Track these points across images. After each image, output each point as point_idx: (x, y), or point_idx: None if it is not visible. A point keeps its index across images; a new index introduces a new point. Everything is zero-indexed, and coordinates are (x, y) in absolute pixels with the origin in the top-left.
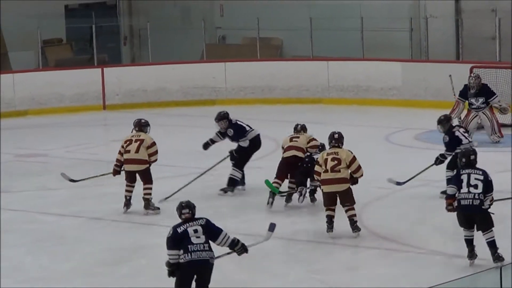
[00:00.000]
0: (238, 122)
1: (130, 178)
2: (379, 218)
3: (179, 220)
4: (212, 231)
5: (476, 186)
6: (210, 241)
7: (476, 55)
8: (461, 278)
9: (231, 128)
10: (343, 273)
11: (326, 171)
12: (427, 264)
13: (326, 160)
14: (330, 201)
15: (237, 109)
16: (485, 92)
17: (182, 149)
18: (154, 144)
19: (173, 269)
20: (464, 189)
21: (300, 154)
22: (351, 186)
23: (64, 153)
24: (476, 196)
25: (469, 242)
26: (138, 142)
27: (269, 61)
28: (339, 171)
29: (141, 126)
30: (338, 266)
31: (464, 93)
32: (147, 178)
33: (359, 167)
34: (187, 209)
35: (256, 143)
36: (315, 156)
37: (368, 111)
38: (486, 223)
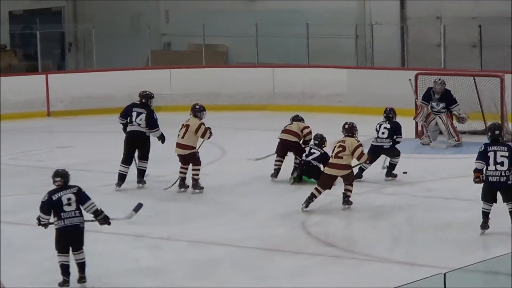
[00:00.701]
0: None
1: (181, 160)
2: (324, 225)
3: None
4: (81, 198)
5: (502, 164)
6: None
7: (421, 62)
8: (406, 285)
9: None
10: (289, 280)
11: (331, 157)
12: (372, 271)
13: (334, 147)
14: (325, 183)
15: (182, 116)
16: (448, 98)
17: None
18: (200, 125)
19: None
20: (492, 167)
21: (291, 138)
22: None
23: (8, 160)
24: (503, 174)
25: (486, 215)
26: (185, 128)
27: (215, 68)
28: (342, 157)
29: (195, 111)
30: (283, 273)
31: (428, 97)
32: (194, 161)
33: (361, 154)
34: (59, 177)
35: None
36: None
37: (313, 118)
38: (510, 196)
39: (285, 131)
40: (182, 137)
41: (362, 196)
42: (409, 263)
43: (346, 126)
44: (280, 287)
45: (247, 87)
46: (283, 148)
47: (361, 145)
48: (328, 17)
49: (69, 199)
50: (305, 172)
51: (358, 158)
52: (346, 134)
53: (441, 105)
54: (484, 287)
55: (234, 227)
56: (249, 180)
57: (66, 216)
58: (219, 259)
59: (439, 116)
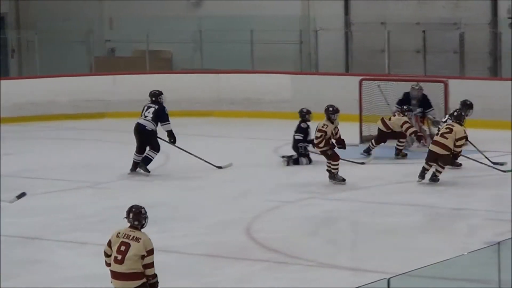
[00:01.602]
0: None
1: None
2: (269, 231)
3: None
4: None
5: None
6: None
7: (365, 68)
8: None
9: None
10: (234, 286)
11: (436, 135)
12: (316, 277)
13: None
14: (428, 158)
15: (126, 122)
16: (424, 102)
17: (72, 163)
18: None
19: None
20: None
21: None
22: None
23: None
24: None
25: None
26: None
27: (159, 74)
28: (447, 138)
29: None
30: (228, 279)
31: (405, 101)
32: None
33: (461, 146)
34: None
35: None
36: None
37: (258, 123)
38: None
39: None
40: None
41: (306, 201)
42: (353, 269)
43: (455, 113)
44: None
45: (191, 93)
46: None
47: (466, 137)
48: (273, 23)
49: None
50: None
51: (457, 148)
52: (455, 121)
53: (418, 109)
54: None
55: (179, 234)
56: (193, 186)
57: None
58: (166, 266)
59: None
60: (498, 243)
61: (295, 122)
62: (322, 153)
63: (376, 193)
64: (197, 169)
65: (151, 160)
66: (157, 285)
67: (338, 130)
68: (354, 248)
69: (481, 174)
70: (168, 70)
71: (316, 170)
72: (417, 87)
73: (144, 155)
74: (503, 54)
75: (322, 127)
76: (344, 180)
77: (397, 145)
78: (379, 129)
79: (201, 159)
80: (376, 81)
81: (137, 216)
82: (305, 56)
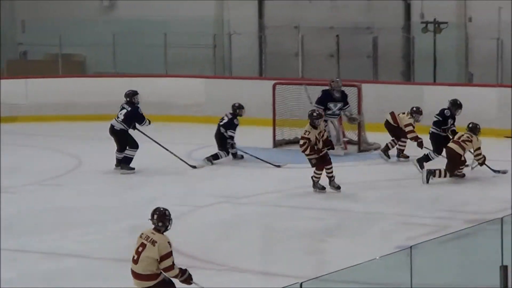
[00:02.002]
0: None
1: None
2: (180, 236)
3: None
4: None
5: None
6: None
7: (279, 71)
8: None
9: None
10: None
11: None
12: (228, 281)
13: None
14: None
15: (38, 126)
16: (344, 98)
17: None
18: None
19: None
20: None
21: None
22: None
23: None
24: None
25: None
26: None
27: (71, 78)
28: (466, 143)
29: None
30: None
31: (324, 100)
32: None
33: (478, 155)
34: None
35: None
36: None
37: (171, 127)
38: None
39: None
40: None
41: (216, 206)
42: (265, 273)
43: (470, 125)
44: None
45: (104, 97)
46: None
47: (479, 148)
48: (186, 27)
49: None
50: None
51: (475, 157)
52: (472, 133)
53: (339, 105)
54: None
55: (85, 238)
56: (103, 190)
57: None
58: (72, 270)
59: (331, 121)
60: (410, 247)
61: (208, 126)
62: (309, 160)
63: (290, 196)
64: (112, 174)
65: (131, 158)
66: (191, 279)
67: (324, 132)
68: (266, 252)
69: (396, 178)
70: (81, 74)
71: (228, 174)
72: (336, 79)
73: (123, 155)
74: (415, 58)
75: (305, 134)
76: (339, 187)
77: (399, 145)
78: (387, 121)
79: (178, 157)
80: (290, 85)
81: (161, 218)
82: (219, 60)
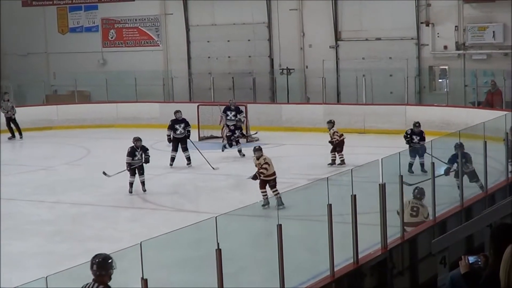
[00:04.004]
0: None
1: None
2: (149, 191)
3: None
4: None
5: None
6: None
7: (201, 98)
8: None
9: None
10: (128, 223)
11: None
12: (178, 218)
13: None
14: None
15: (64, 132)
16: (238, 110)
17: None
18: None
19: None
20: None
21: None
22: None
23: None
24: None
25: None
26: None
27: (83, 104)
28: None
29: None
30: (124, 218)
31: (225, 109)
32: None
33: None
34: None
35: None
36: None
37: (140, 131)
38: None
39: None
40: None
41: (166, 175)
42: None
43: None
44: None
45: (102, 114)
46: None
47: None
48: (147, 74)
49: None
50: None
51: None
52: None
53: (233, 113)
54: None
55: (98, 192)
56: (105, 165)
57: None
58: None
59: (226, 124)
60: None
61: (163, 130)
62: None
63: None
64: (61, 176)
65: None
66: None
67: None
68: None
69: None
70: (88, 101)
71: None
72: (232, 100)
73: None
74: (277, 89)
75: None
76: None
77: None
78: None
79: (206, 159)
80: (207, 105)
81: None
82: (166, 92)
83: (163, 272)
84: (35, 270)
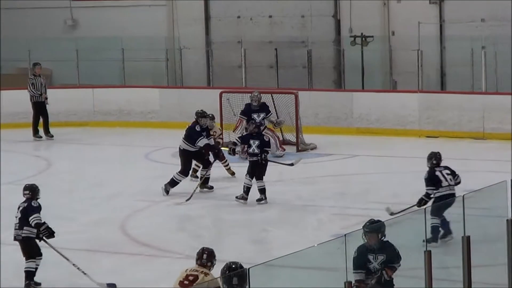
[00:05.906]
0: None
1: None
2: (141, 227)
3: None
4: (27, 212)
5: (450, 179)
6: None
7: (224, 82)
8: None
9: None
10: (108, 277)
11: None
12: (183, 268)
13: None
14: None
15: (10, 133)
16: (265, 108)
17: None
18: None
19: None
20: (444, 183)
21: None
22: None
23: None
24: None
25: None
26: None
27: None
28: None
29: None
30: (103, 271)
31: (247, 111)
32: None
33: None
34: (27, 191)
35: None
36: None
37: (130, 132)
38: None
39: None
40: None
41: (173, 200)
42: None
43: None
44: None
45: (69, 105)
46: None
47: None
48: (141, 44)
49: (19, 210)
50: None
51: None
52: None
53: (262, 115)
54: None
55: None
56: (73, 189)
57: (15, 227)
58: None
59: (265, 132)
60: (345, 235)
61: (163, 131)
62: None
63: (234, 192)
64: (72, 174)
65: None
66: None
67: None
68: (215, 241)
69: (324, 175)
70: (48, 86)
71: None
72: (256, 93)
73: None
74: (345, 68)
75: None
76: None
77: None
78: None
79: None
80: (235, 93)
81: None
82: (171, 72)
83: None
84: None
